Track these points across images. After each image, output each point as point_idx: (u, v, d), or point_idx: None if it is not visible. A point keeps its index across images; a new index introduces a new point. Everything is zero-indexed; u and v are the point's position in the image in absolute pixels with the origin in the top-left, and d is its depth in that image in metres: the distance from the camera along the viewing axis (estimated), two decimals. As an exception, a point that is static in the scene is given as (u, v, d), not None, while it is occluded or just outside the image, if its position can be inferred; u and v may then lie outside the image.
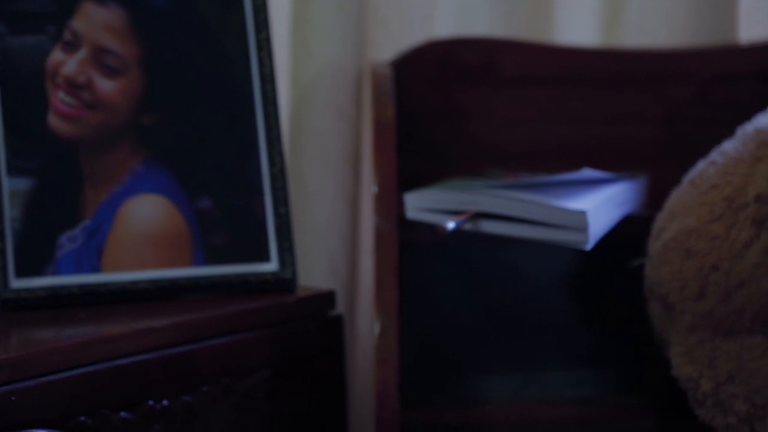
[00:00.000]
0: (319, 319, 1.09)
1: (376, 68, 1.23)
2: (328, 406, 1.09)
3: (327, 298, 1.10)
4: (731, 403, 0.95)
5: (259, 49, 1.12)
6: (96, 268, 1.05)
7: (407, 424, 1.03)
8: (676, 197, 1.09)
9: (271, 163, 1.10)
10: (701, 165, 1.08)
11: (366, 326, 1.34)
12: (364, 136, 1.34)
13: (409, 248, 1.15)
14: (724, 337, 1.00)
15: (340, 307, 1.23)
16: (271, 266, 1.09)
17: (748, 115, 1.09)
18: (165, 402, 0.94)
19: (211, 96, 1.10)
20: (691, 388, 1.00)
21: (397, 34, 1.34)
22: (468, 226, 1.05)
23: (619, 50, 1.33)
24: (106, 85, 1.07)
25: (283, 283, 1.09)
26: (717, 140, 1.10)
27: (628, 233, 1.11)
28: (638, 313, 1.12)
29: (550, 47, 1.33)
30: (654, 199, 1.15)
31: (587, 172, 1.10)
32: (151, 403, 0.93)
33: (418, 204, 1.09)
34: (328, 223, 1.32)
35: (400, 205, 1.09)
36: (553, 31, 1.38)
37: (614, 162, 1.22)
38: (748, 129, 1.06)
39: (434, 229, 1.02)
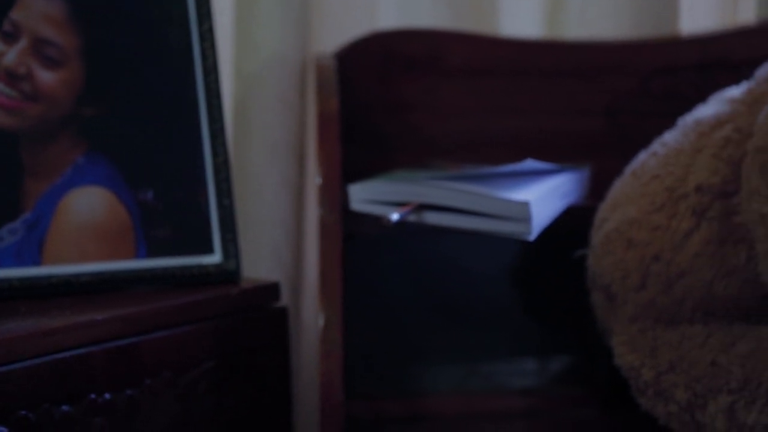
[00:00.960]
0: (263, 311, 1.09)
1: (320, 60, 1.23)
2: (272, 398, 1.09)
3: (271, 289, 1.10)
4: (672, 391, 0.96)
5: (202, 40, 1.11)
6: (37, 261, 1.04)
7: (352, 415, 1.04)
8: (618, 188, 1.09)
9: (215, 154, 1.10)
10: (643, 156, 1.09)
11: (311, 318, 1.33)
12: (309, 127, 1.34)
13: (354, 240, 1.15)
14: (665, 327, 1.00)
15: (285, 299, 1.23)
16: (215, 258, 1.09)
17: (688, 106, 1.10)
18: (107, 395, 0.93)
19: (153, 87, 1.09)
20: (632, 377, 1.01)
21: (342, 26, 1.34)
22: (412, 218, 1.05)
23: (562, 42, 1.34)
24: (46, 77, 1.06)
25: (227, 274, 1.09)
26: (658, 131, 1.10)
27: (571, 224, 1.12)
28: (581, 303, 1.13)
29: (494, 39, 1.33)
30: (597, 189, 1.16)
31: (531, 163, 1.10)
32: (93, 396, 0.92)
33: (362, 195, 1.09)
34: (273, 214, 1.31)
35: (345, 197, 1.09)
36: (496, 23, 1.38)
37: (557, 153, 1.23)
38: (688, 120, 1.07)
39: (378, 221, 1.01)
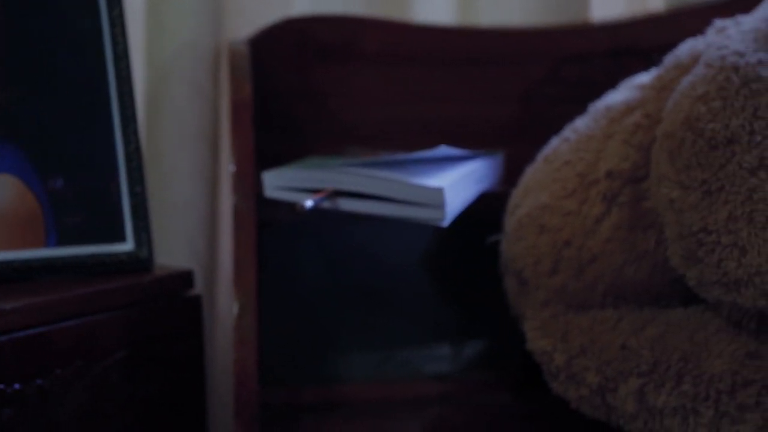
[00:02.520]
0: (177, 300, 1.08)
1: (233, 46, 1.22)
2: (186, 387, 1.08)
3: (184, 277, 1.09)
4: (583, 375, 0.97)
5: (112, 26, 1.09)
6: (-56, 250, 1.03)
7: (267, 403, 1.03)
8: (531, 174, 1.10)
9: (126, 141, 1.09)
10: (555, 142, 1.10)
11: (226, 306, 1.33)
12: (222, 115, 1.33)
13: (268, 227, 1.14)
14: (576, 311, 1.02)
15: (199, 287, 1.22)
16: (127, 246, 1.07)
17: (600, 92, 1.11)
18: (17, 386, 0.92)
19: (63, 74, 1.08)
20: (545, 361, 1.02)
21: (256, 12, 1.33)
22: (326, 205, 1.05)
23: (476, 29, 1.34)
24: (-48, 63, 1.04)
25: (139, 263, 1.08)
26: (570, 117, 1.12)
27: (485, 210, 1.12)
28: (494, 288, 1.13)
29: (409, 25, 1.33)
30: (510, 175, 1.17)
31: (444, 150, 1.10)
32: (2, 387, 0.91)
33: (276, 182, 1.08)
34: (187, 202, 1.30)
35: (259, 184, 1.09)
36: (410, 10, 1.38)
37: (471, 139, 1.23)
38: (599, 106, 1.08)
39: (293, 208, 1.01)
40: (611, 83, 1.12)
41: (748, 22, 0.99)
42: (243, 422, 0.97)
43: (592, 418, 0.99)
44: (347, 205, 1.05)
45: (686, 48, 1.03)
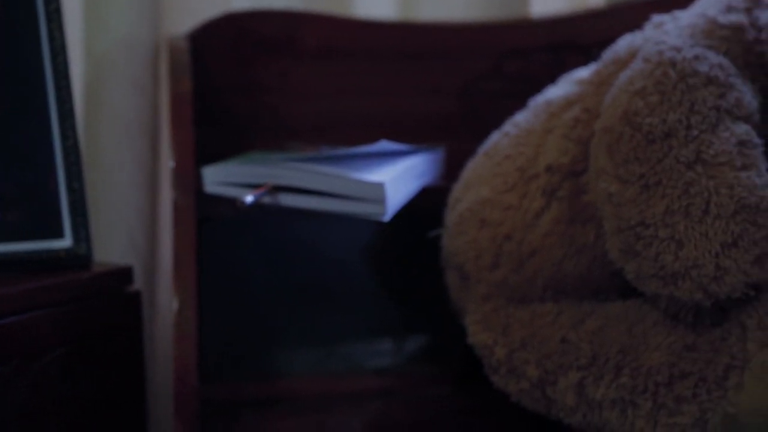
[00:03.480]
0: (116, 296, 1.07)
1: (172, 41, 1.21)
2: (125, 384, 1.08)
3: (124, 274, 1.08)
4: (524, 368, 0.98)
5: (49, 21, 1.08)
6: None
7: (207, 399, 1.03)
8: (471, 168, 1.10)
9: (64, 137, 1.07)
10: (495, 136, 1.10)
11: (166, 302, 1.32)
12: (162, 110, 1.32)
13: (209, 223, 1.14)
14: (517, 305, 1.02)
15: (139, 284, 1.22)
16: (65, 242, 1.06)
17: (540, 87, 1.12)
18: (-47, 384, 0.92)
19: (-2, 69, 1.07)
20: (485, 355, 1.02)
21: (195, 7, 1.32)
22: (267, 200, 1.04)
23: (417, 24, 1.35)
24: None
25: (78, 259, 1.07)
26: (510, 112, 1.12)
27: (426, 204, 1.13)
28: (436, 283, 1.14)
29: (350, 20, 1.33)
30: (451, 170, 1.17)
31: (385, 145, 1.10)
32: (-62, 386, 0.90)
33: (216, 178, 1.08)
34: (126, 198, 1.29)
35: (199, 180, 1.08)
36: (350, 4, 1.38)
37: (412, 134, 1.24)
38: (539, 101, 1.09)
39: (233, 203, 1.01)
40: (551, 78, 1.12)
41: (685, 17, 1.00)
42: (183, 419, 0.97)
43: (533, 411, 0.99)
44: (288, 200, 1.04)
45: (624, 43, 1.04)
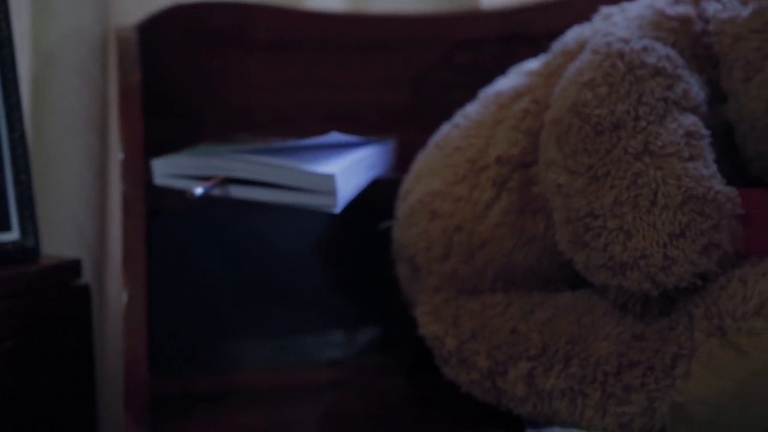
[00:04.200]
0: (64, 289, 1.07)
1: (121, 32, 1.20)
2: (75, 378, 1.07)
3: (72, 267, 1.08)
4: (474, 359, 0.98)
5: (-5, 12, 1.07)
6: None
7: (158, 393, 1.02)
8: (422, 160, 1.11)
9: (11, 129, 1.06)
10: (446, 128, 1.11)
11: (116, 295, 1.31)
12: (111, 102, 1.31)
13: (158, 215, 1.13)
14: (467, 296, 1.02)
15: (88, 277, 1.21)
16: (13, 235, 1.05)
17: (490, 78, 1.12)
18: None
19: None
20: (436, 346, 1.02)
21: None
22: (217, 192, 1.04)
23: (367, 15, 1.34)
24: None
25: (25, 252, 1.06)
26: (461, 104, 1.12)
27: (377, 196, 1.13)
28: (387, 274, 1.14)
29: (301, 12, 1.33)
30: (402, 162, 1.17)
31: (336, 136, 1.10)
32: None
33: (166, 170, 1.07)
34: (75, 190, 1.28)
35: (148, 172, 1.08)
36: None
37: (364, 125, 1.23)
38: (489, 92, 1.09)
39: (183, 196, 1.01)
40: (501, 70, 1.13)
41: (633, 8, 1.01)
42: (133, 413, 0.96)
43: (483, 401, 0.99)
44: (238, 192, 1.04)
45: (573, 34, 1.05)
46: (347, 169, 1.05)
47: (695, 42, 0.98)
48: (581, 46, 1.00)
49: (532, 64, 1.08)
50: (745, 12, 0.97)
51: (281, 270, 1.23)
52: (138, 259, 1.03)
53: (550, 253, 0.98)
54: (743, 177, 0.99)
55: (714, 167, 0.88)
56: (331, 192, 1.00)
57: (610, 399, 0.90)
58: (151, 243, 1.06)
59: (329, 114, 1.30)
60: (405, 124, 1.28)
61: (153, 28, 1.24)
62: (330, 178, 0.99)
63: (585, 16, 1.07)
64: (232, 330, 1.22)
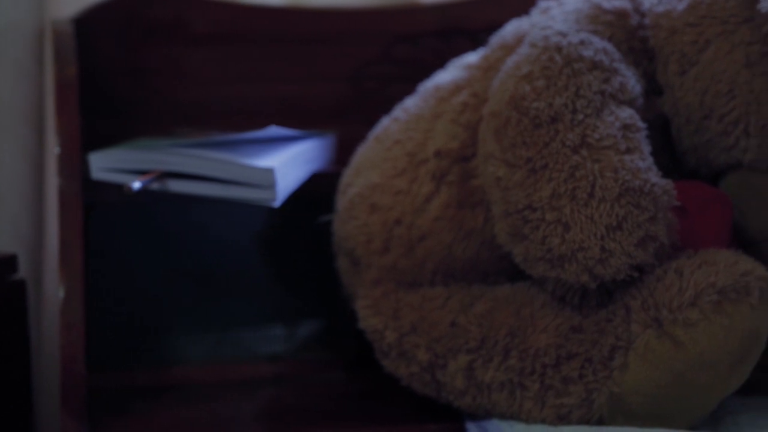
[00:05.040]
0: (0, 284, 1.05)
1: (57, 25, 1.19)
2: (11, 373, 1.06)
3: (8, 262, 1.07)
4: (414, 352, 0.98)
5: (-72, 3, 1.06)
6: None
7: (96, 388, 1.02)
8: (362, 153, 1.11)
9: (-55, 123, 1.05)
10: (385, 121, 1.11)
11: (53, 291, 1.30)
12: (47, 95, 1.30)
13: (96, 210, 1.12)
14: (407, 289, 1.02)
15: (25, 272, 1.19)
16: (-53, 231, 1.04)
17: (429, 72, 1.12)
18: None
19: None
20: (376, 339, 1.02)
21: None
22: (155, 186, 1.03)
23: (306, 9, 1.34)
24: None
25: (-39, 248, 1.05)
26: (400, 97, 1.12)
27: (317, 190, 1.13)
28: (327, 268, 1.14)
29: (239, 5, 1.32)
30: (341, 155, 1.17)
31: (275, 130, 1.10)
32: None
33: (103, 164, 1.06)
34: (11, 185, 1.26)
35: (86, 166, 1.07)
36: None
37: (303, 119, 1.23)
38: (428, 86, 1.09)
39: (121, 190, 1.00)
40: (440, 63, 1.13)
41: (570, 3, 1.02)
42: (70, 408, 0.95)
43: (423, 394, 1.00)
44: (177, 186, 1.04)
45: (511, 28, 1.05)
46: (286, 163, 1.05)
47: (631, 35, 0.99)
48: (519, 39, 1.01)
49: (471, 58, 1.09)
50: (681, 6, 0.98)
51: (221, 264, 1.22)
52: (75, 254, 1.02)
53: (489, 246, 0.99)
54: (679, 169, 1.00)
55: (650, 160, 0.89)
56: (271, 186, 1.00)
57: (549, 391, 0.90)
58: (89, 238, 1.05)
59: (269, 108, 1.29)
60: (345, 118, 1.28)
61: (90, 21, 1.23)
62: (269, 172, 0.99)
63: (523, 9, 1.07)
64: (172, 325, 1.21)
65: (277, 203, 1.01)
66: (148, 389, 1.13)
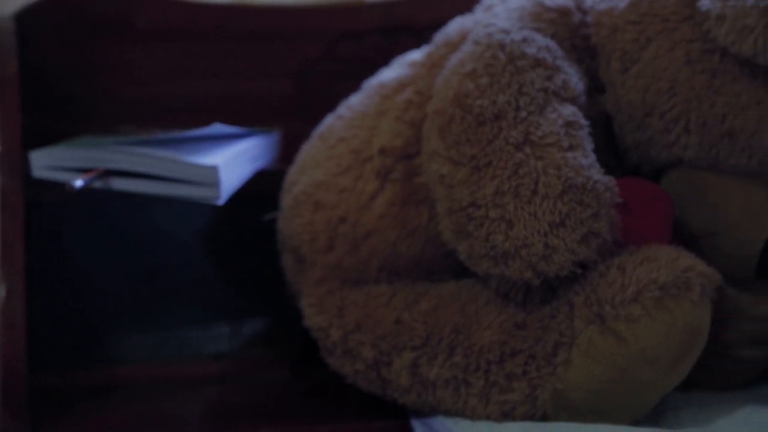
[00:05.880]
0: (-59, 284, 1.04)
1: (-2, 21, 1.18)
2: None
3: (-52, 261, 1.06)
4: (359, 350, 0.98)
5: None
6: None
7: (39, 387, 1.01)
8: (306, 151, 1.10)
9: None
10: (330, 119, 1.11)
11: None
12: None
13: (38, 208, 1.11)
14: (352, 287, 1.02)
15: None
16: None
17: (374, 70, 1.12)
18: None
19: None
20: (321, 337, 1.02)
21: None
22: (98, 184, 1.03)
23: (251, 6, 1.33)
24: None
25: None
26: (345, 95, 1.12)
27: (262, 188, 1.12)
28: (272, 266, 1.13)
29: (182, 2, 1.31)
30: (286, 153, 1.17)
31: (219, 128, 1.10)
32: None
33: (45, 162, 1.06)
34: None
35: (27, 164, 1.06)
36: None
37: (248, 117, 1.23)
38: (373, 83, 1.09)
39: (63, 188, 0.99)
40: (385, 61, 1.13)
41: (513, 0, 1.02)
42: (11, 408, 0.95)
43: (368, 392, 1.00)
44: (120, 184, 1.03)
45: (455, 26, 1.05)
46: (231, 161, 1.04)
47: (574, 33, 0.99)
48: (463, 37, 1.01)
49: (415, 56, 1.09)
50: (622, 3, 0.99)
51: (165, 263, 1.21)
52: (16, 253, 1.01)
53: (434, 244, 0.99)
54: (621, 167, 1.01)
55: (593, 157, 0.90)
56: (215, 184, 0.99)
57: (493, 387, 0.91)
58: (30, 236, 1.05)
59: (213, 105, 1.28)
60: (289, 116, 1.28)
61: (31, 18, 1.22)
62: (213, 170, 0.99)
63: (467, 7, 1.08)
64: (115, 323, 1.20)
65: (222, 201, 1.01)
66: (92, 389, 1.13)
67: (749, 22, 0.90)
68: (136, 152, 1.02)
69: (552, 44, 0.95)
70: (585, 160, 0.88)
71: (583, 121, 0.92)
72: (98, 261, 1.20)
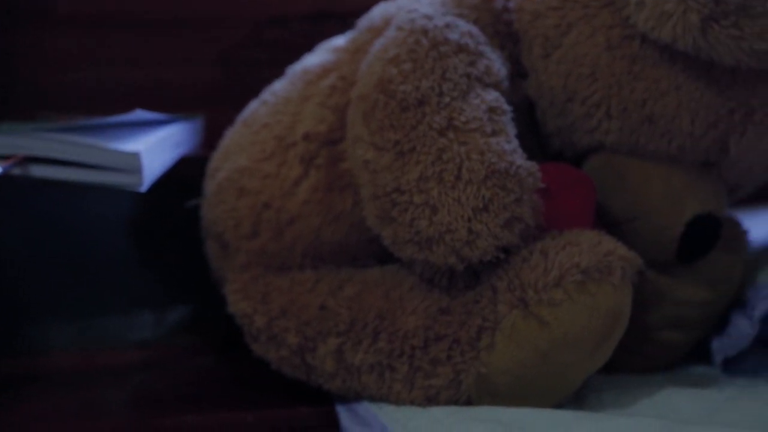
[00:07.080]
0: None
1: None
2: None
3: None
4: (284, 336, 0.98)
5: None
6: None
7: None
8: (230, 137, 1.10)
9: None
10: (254, 105, 1.10)
11: None
12: None
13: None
14: (276, 273, 1.02)
15: None
16: None
17: (298, 55, 1.12)
18: None
19: None
20: (246, 323, 1.02)
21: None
22: (17, 171, 1.01)
23: (174, -8, 1.33)
24: None
25: None
26: (270, 81, 1.12)
27: (185, 174, 1.12)
28: (196, 253, 1.13)
29: (106, -13, 1.30)
30: (210, 139, 1.16)
31: (142, 114, 1.09)
32: None
33: (-38, 150, 1.04)
34: None
35: (-56, 152, 1.04)
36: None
37: (171, 103, 1.22)
38: (296, 69, 1.09)
39: (-20, 176, 0.98)
40: (310, 46, 1.13)
41: (437, -14, 1.02)
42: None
43: (293, 378, 1.00)
44: (40, 171, 1.02)
45: (379, 11, 1.05)
46: (153, 147, 1.03)
47: (497, 19, 1.00)
48: (387, 22, 1.01)
49: (339, 41, 1.08)
50: (545, -11, 0.99)
51: (87, 250, 1.20)
52: (-66, 242, 1.00)
53: (358, 229, 0.99)
54: (544, 152, 1.02)
55: (516, 142, 0.90)
56: (137, 170, 0.99)
57: (418, 372, 0.91)
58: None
59: (135, 92, 1.27)
60: (213, 102, 1.27)
61: (-51, 4, 1.20)
62: (135, 156, 0.98)
63: (391, -7, 1.08)
64: (37, 312, 1.18)
65: (144, 188, 1.00)
66: (13, 377, 1.11)
67: (668, 8, 0.91)
68: (56, 138, 1.00)
69: (474, 30, 0.96)
70: (508, 145, 0.89)
71: (506, 107, 0.92)
72: (20, 248, 1.19)
